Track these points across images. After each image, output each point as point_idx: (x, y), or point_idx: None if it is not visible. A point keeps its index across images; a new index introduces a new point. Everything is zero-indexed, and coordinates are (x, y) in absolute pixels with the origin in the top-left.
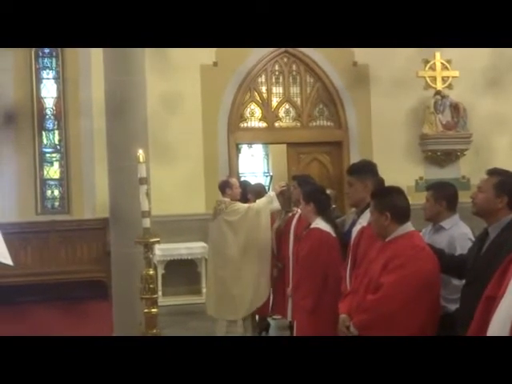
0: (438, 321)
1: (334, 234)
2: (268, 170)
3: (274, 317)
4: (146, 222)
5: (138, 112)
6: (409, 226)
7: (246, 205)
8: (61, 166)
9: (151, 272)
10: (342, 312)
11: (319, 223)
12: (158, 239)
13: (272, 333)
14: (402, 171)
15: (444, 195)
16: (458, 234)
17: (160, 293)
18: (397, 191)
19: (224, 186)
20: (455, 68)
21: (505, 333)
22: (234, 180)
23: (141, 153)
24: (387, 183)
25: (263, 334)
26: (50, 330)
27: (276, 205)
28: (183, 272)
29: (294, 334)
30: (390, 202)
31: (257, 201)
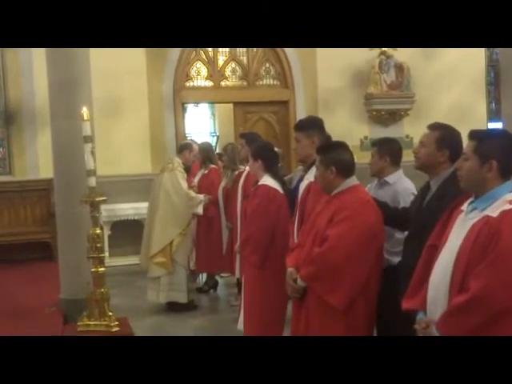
0: (382, 273)
1: (281, 191)
2: (214, 129)
3: (222, 274)
4: (92, 181)
5: (81, 70)
6: (353, 180)
7: (186, 190)
8: (1, 126)
9: (98, 231)
10: (289, 266)
11: (267, 180)
12: (104, 198)
13: (220, 290)
14: (347, 130)
15: (388, 151)
16: (402, 189)
17: (107, 253)
18: (342, 146)
19: (185, 147)
20: None
21: (446, 280)
22: (196, 147)
23: (85, 110)
24: None
25: (211, 291)
26: None
27: (199, 210)
28: (130, 232)
29: (243, 290)
30: (335, 156)
31: (192, 192)
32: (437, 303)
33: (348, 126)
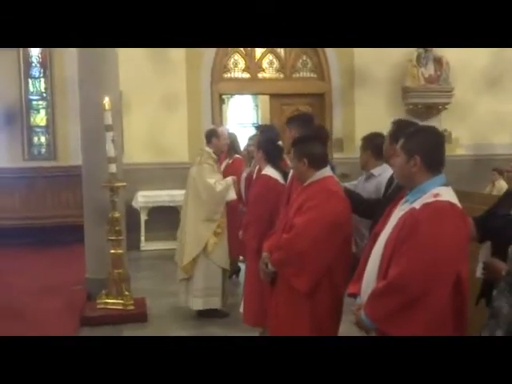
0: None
1: (282, 181)
2: (257, 121)
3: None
4: (112, 168)
5: (109, 60)
6: (325, 172)
7: (211, 184)
8: (47, 113)
9: (117, 215)
10: (264, 251)
11: (269, 170)
12: (124, 183)
13: (242, 276)
14: (383, 123)
15: (369, 145)
16: (386, 181)
17: (142, 238)
18: (314, 139)
19: (210, 135)
20: None
21: (375, 268)
22: (221, 129)
23: (107, 100)
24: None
25: (233, 277)
26: (25, 271)
27: (232, 195)
28: (165, 218)
29: (244, 274)
30: (308, 149)
31: (219, 184)
32: (368, 289)
33: (384, 119)
